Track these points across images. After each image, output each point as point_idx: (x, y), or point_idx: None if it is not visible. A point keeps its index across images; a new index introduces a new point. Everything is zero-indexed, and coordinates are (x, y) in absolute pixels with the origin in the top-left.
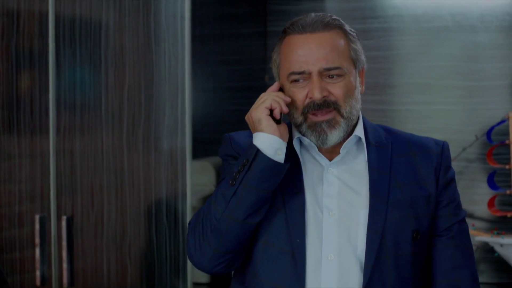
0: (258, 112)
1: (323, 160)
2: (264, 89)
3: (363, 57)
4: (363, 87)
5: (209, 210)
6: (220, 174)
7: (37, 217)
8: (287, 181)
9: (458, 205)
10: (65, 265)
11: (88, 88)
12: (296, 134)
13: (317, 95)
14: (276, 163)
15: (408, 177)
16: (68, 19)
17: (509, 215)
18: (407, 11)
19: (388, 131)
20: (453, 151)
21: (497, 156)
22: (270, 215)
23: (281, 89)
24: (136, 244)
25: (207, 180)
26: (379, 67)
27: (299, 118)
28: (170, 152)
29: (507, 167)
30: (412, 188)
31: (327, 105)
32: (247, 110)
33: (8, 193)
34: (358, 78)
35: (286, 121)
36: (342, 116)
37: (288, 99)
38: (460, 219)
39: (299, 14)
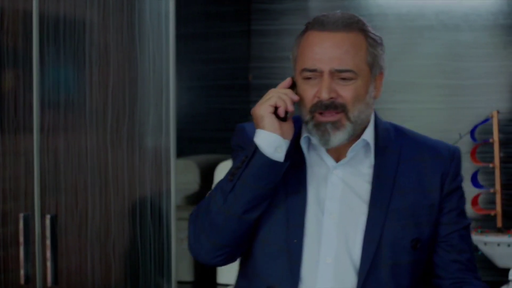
0: (262, 109)
1: (330, 161)
2: (248, 87)
3: (382, 62)
4: (379, 92)
5: (209, 204)
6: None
7: (21, 216)
8: (290, 179)
9: (461, 213)
10: (49, 264)
11: (72, 87)
12: (305, 133)
13: (324, 95)
14: (273, 162)
15: (413, 184)
16: (52, 18)
17: (492, 213)
18: (391, 10)
19: (400, 132)
20: None
21: (481, 154)
22: (271, 212)
23: (294, 84)
24: (120, 243)
25: (192, 179)
26: None
27: (306, 116)
28: (154, 151)
29: (491, 165)
30: (415, 196)
31: (334, 106)
32: (231, 109)
33: None
34: (373, 83)
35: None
36: (349, 119)
37: (296, 98)
38: (461, 226)
39: (283, 13)
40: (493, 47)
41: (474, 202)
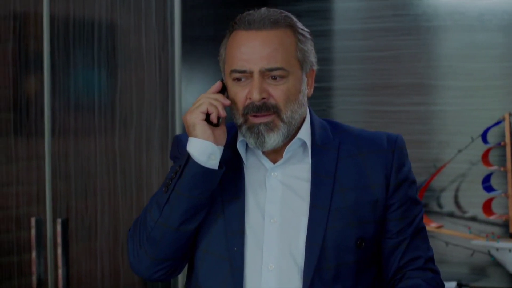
0: (193, 116)
1: (268, 163)
2: None
3: (312, 58)
4: (311, 89)
5: (145, 218)
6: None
7: (33, 220)
8: (227, 186)
9: (410, 207)
10: (60, 269)
11: (82, 90)
12: (241, 137)
13: (256, 96)
14: (207, 170)
15: (354, 181)
16: (62, 21)
17: (504, 218)
18: (406, 11)
19: (337, 128)
20: (450, 153)
21: (493, 158)
22: (209, 221)
23: (225, 88)
24: None
25: None
26: (377, 68)
27: (239, 119)
28: (161, 155)
29: (501, 169)
30: (357, 193)
31: (266, 108)
32: None
33: (5, 197)
34: (304, 80)
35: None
36: (282, 120)
37: (227, 102)
38: (410, 220)
39: (298, 15)
40: (508, 47)
41: (486, 206)
